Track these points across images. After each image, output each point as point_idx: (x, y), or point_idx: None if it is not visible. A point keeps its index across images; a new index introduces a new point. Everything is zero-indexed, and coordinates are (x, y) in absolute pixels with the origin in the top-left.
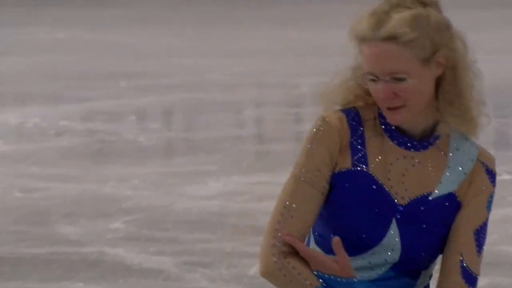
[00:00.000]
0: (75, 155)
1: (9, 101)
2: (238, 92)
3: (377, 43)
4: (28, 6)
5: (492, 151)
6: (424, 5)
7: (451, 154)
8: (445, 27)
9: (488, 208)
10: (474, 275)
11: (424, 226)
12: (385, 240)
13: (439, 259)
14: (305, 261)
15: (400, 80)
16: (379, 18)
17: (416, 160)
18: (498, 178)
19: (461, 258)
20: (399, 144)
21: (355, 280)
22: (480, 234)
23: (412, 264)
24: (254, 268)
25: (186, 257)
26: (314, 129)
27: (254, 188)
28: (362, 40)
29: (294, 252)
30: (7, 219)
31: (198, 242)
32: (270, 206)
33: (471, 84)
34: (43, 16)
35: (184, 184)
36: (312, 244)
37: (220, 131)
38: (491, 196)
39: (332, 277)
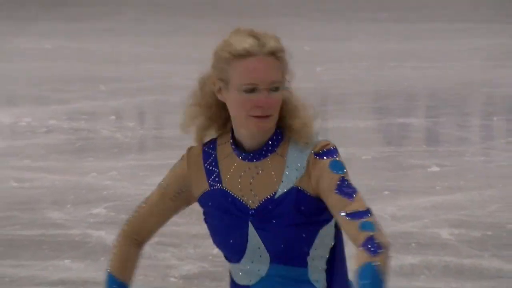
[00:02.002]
0: (61, 150)
1: (2, 102)
2: None
3: (262, 57)
4: (17, 20)
5: (423, 147)
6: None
7: (288, 156)
8: None
9: (334, 170)
10: (357, 211)
11: (274, 221)
12: (250, 243)
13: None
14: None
15: (277, 89)
16: (260, 37)
17: (260, 168)
18: (428, 170)
19: (341, 214)
20: (244, 159)
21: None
22: (341, 188)
23: (285, 255)
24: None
25: (158, 238)
26: (181, 157)
27: None
28: (245, 55)
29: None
30: (3, 206)
31: (168, 226)
32: None
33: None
34: (31, 29)
35: (155, 175)
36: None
37: None
38: (331, 163)
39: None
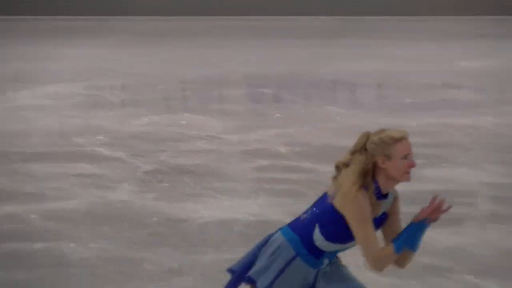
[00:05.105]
0: (82, 106)
1: (61, 80)
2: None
3: (408, 140)
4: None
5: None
6: None
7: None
8: None
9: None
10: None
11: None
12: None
13: None
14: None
15: None
16: (402, 130)
17: (383, 204)
18: (275, 116)
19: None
20: (378, 199)
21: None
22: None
23: None
24: (143, 168)
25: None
26: (361, 200)
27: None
28: (401, 139)
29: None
30: (51, 137)
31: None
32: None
33: None
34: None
35: (130, 118)
36: (318, 235)
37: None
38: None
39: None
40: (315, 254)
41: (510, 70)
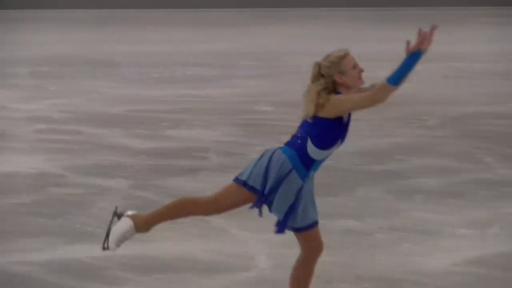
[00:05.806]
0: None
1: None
2: None
3: (350, 55)
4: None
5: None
6: None
7: None
8: None
9: None
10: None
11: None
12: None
13: None
14: None
15: None
16: (344, 49)
17: None
18: None
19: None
20: None
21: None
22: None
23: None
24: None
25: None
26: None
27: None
28: (346, 55)
29: None
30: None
31: None
32: None
33: None
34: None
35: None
36: (311, 146)
37: None
38: None
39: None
40: (307, 165)
41: (236, 51)
